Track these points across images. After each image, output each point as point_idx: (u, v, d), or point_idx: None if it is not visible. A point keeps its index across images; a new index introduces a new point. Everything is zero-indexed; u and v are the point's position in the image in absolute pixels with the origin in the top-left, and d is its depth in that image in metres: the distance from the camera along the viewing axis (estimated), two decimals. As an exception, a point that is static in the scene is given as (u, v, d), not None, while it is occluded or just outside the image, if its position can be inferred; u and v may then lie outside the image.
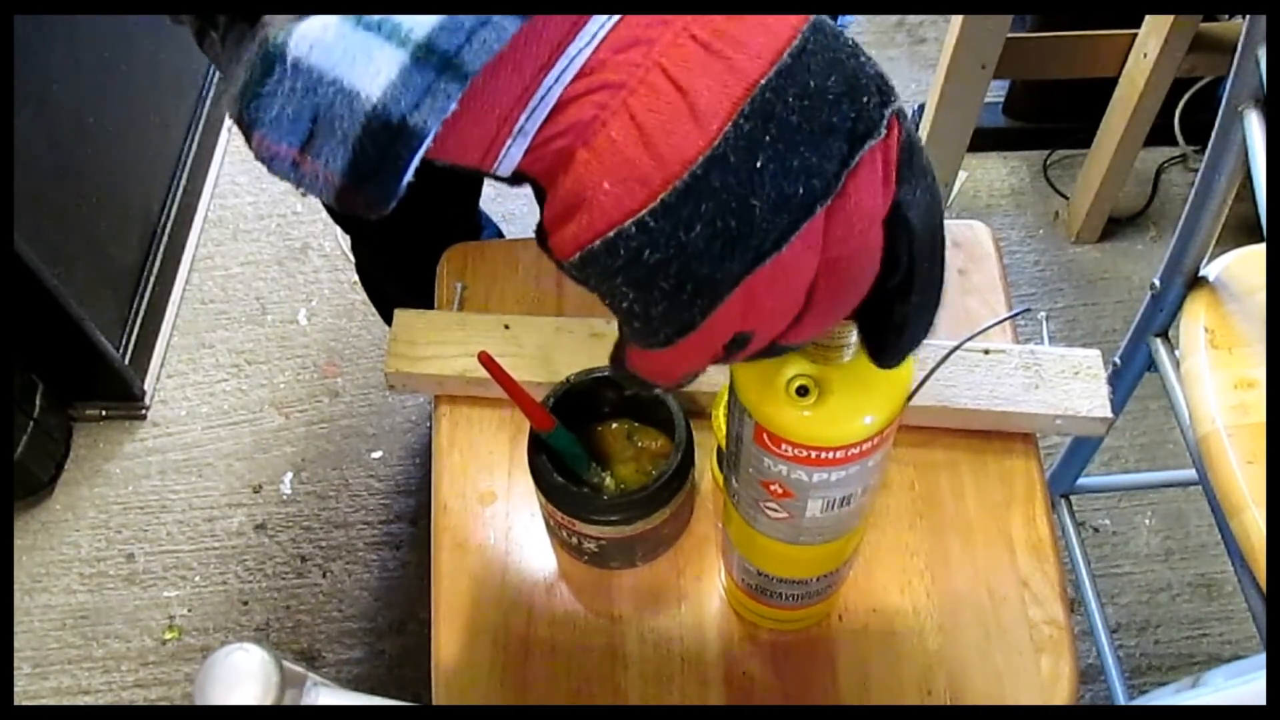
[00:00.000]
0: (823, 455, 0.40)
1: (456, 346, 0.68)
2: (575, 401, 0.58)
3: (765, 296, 0.29)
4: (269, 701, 0.42)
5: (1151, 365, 0.95)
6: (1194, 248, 0.85)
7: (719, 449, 0.63)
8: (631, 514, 0.56)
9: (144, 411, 1.48)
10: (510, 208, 1.62)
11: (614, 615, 0.62)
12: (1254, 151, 0.75)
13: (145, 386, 1.48)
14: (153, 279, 1.51)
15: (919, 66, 1.80)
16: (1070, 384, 0.64)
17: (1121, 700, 1.09)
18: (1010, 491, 0.65)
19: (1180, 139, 1.61)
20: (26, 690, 1.29)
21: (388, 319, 0.84)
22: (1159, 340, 0.94)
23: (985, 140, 1.62)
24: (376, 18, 0.25)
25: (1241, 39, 0.74)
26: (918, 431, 0.66)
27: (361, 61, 0.25)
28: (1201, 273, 0.88)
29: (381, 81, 0.25)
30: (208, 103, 1.68)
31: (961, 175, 1.65)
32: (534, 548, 0.64)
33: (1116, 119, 1.42)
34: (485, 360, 0.53)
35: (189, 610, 1.33)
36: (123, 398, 1.46)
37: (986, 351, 0.65)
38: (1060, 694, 0.59)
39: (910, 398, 0.41)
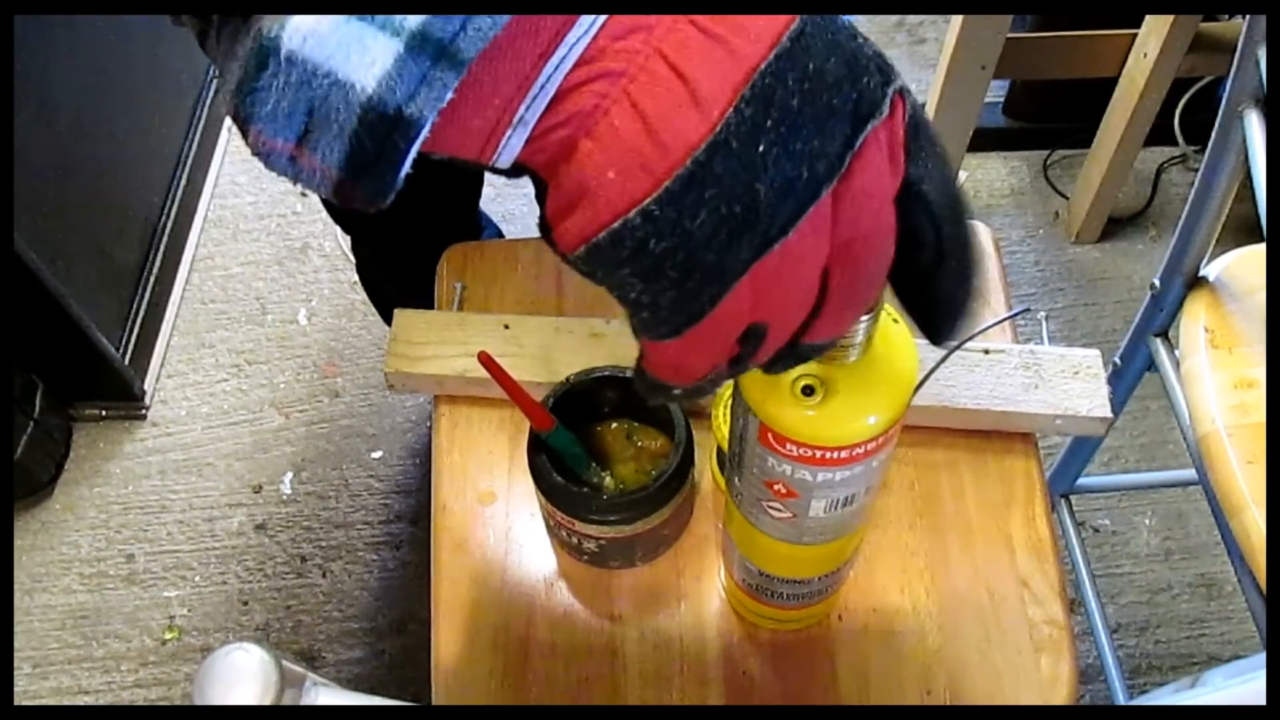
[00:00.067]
0: (827, 455, 0.40)
1: (456, 346, 0.68)
2: (575, 401, 0.58)
3: (775, 283, 0.28)
4: (269, 701, 0.42)
5: (1151, 365, 0.95)
6: (1194, 248, 0.85)
7: (719, 449, 0.63)
8: (631, 514, 0.56)
9: (144, 411, 1.48)
10: (510, 207, 1.62)
11: (614, 615, 0.62)
12: (1254, 151, 0.75)
13: (145, 386, 1.48)
14: (153, 279, 1.51)
15: (919, 66, 1.79)
16: (1070, 384, 0.64)
17: (1121, 700, 1.09)
18: (1010, 491, 0.65)
19: (1180, 139, 1.61)
20: (26, 690, 1.29)
21: (388, 319, 0.84)
22: (1159, 340, 0.94)
23: (985, 140, 1.62)
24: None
25: (1241, 39, 0.74)
26: (918, 431, 0.66)
27: (356, 52, 0.25)
28: (1201, 273, 0.88)
29: (376, 72, 0.25)
30: (208, 103, 1.68)
31: (961, 175, 1.65)
32: (534, 548, 0.64)
33: (1116, 119, 1.42)
34: (485, 360, 0.53)
35: (189, 610, 1.33)
36: (123, 398, 1.46)
37: (986, 351, 0.65)
38: (1060, 694, 0.59)
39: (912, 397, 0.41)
